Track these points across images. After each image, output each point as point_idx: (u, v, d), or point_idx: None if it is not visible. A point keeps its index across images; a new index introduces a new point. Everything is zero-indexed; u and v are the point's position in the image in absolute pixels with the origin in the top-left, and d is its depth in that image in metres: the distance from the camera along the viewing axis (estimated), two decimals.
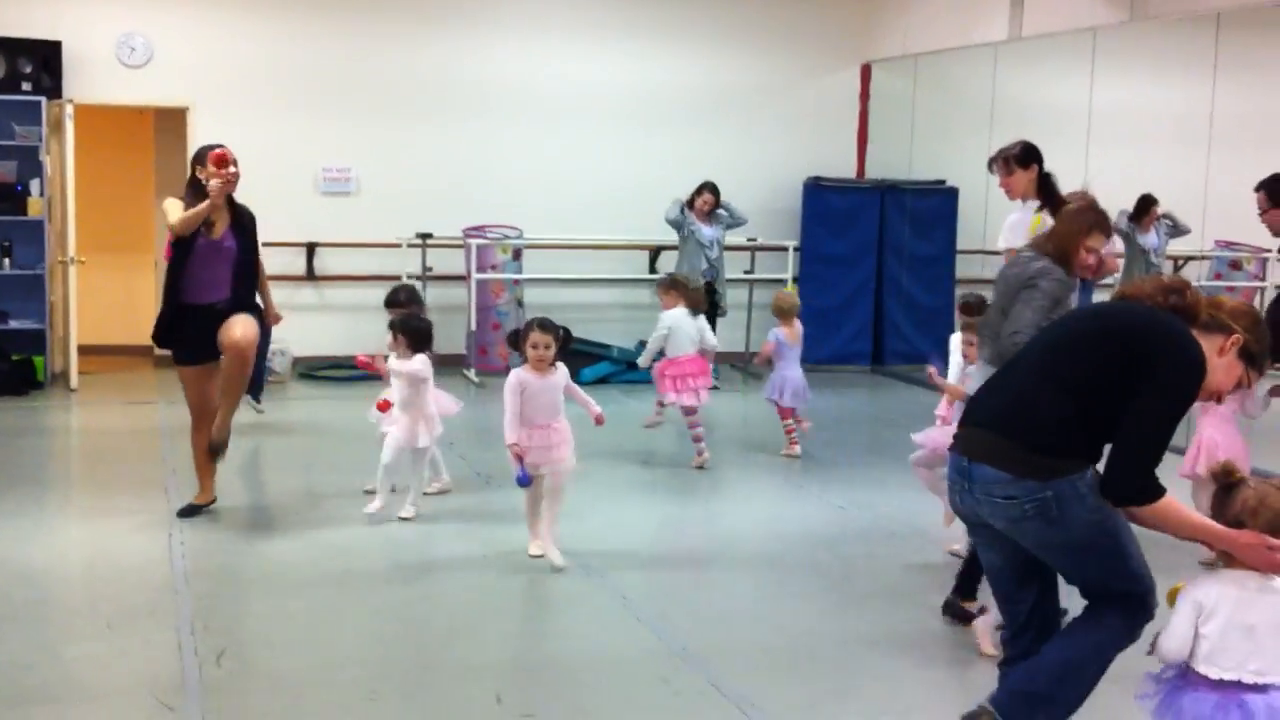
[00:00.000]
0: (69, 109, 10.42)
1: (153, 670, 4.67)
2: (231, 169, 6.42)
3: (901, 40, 12.61)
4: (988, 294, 5.92)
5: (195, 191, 6.44)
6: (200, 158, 6.53)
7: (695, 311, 8.33)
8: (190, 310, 6.52)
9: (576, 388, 6.24)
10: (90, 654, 4.85)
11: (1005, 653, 3.87)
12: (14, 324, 10.63)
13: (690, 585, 6.01)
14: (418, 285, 9.17)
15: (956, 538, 6.03)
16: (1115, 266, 7.68)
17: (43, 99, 10.49)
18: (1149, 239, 11.63)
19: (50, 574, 5.88)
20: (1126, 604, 3.59)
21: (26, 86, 10.49)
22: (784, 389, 8.41)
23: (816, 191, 12.54)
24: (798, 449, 8.49)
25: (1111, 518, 3.48)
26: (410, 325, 6.87)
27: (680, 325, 8.20)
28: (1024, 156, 6.46)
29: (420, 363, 6.76)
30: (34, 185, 10.57)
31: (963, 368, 6.30)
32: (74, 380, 10.52)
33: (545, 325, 6.08)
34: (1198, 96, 10.79)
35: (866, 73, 13.06)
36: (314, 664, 4.77)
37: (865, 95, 13.07)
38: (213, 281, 6.52)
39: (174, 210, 6.42)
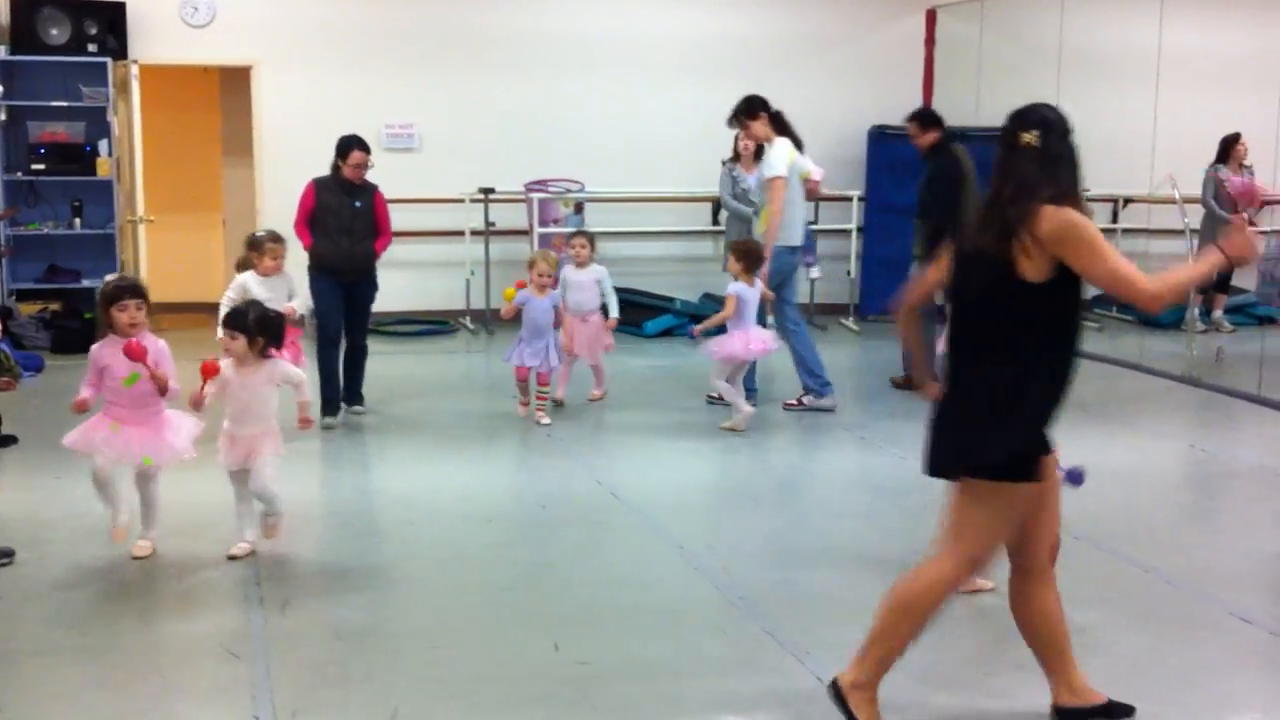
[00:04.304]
0: (134, 69, 10.53)
1: (219, 619, 4.78)
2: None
3: None
4: None
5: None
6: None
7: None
8: None
9: None
10: (158, 603, 4.97)
11: None
12: (86, 283, 10.81)
13: (748, 534, 6.01)
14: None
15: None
16: (816, 190, 8.37)
17: (108, 60, 10.61)
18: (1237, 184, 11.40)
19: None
20: None
21: (92, 48, 10.63)
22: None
23: (881, 140, 12.38)
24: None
25: None
26: (267, 319, 5.42)
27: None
28: (747, 109, 8.00)
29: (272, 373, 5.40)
30: (102, 146, 10.73)
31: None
32: None
33: None
34: (1271, 36, 10.55)
35: (932, 18, 12.87)
36: (374, 615, 4.83)
37: (930, 41, 12.88)
38: None
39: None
